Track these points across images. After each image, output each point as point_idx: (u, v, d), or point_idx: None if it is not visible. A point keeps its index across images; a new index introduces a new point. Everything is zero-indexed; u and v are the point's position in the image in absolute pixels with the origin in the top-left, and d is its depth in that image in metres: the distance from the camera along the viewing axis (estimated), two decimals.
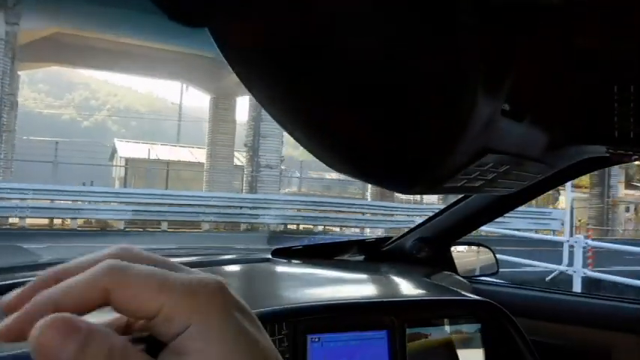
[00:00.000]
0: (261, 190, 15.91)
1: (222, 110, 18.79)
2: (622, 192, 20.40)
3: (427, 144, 0.46)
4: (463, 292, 1.25)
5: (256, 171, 16.11)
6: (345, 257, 1.63)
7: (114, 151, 22.91)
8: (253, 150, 16.25)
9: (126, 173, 18.87)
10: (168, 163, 19.98)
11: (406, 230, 1.67)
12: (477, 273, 1.67)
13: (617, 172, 19.49)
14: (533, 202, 18.39)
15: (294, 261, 1.50)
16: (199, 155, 20.77)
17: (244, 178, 16.74)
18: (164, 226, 13.90)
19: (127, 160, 20.17)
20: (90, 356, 0.23)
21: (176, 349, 0.26)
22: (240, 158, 19.73)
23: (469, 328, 1.10)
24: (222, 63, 0.47)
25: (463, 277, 1.58)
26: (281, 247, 1.54)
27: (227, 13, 0.42)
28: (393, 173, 0.52)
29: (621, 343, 1.27)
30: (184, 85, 23.43)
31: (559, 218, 17.30)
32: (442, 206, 1.82)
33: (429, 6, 0.37)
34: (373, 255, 1.65)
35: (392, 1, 0.39)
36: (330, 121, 0.49)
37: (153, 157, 20.65)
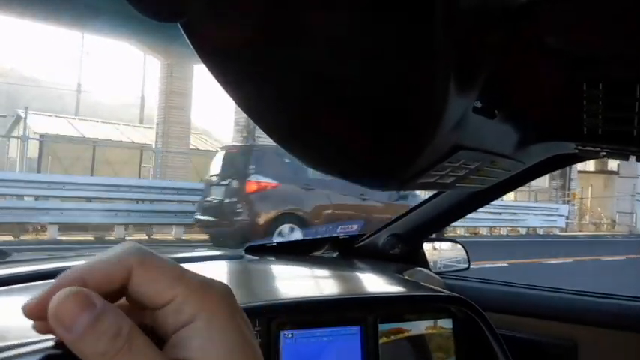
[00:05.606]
0: None
1: (177, 80, 14.41)
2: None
3: (401, 142, 0.46)
4: (435, 288, 1.26)
5: None
6: (319, 254, 1.63)
7: (15, 125, 17.82)
8: (247, 130, 11.78)
9: (40, 153, 13.91)
10: (95, 141, 15.68)
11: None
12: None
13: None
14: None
15: (267, 258, 1.49)
16: (131, 134, 17.23)
17: None
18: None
19: (43, 136, 15.29)
20: (99, 331, 0.25)
21: (177, 343, 0.27)
22: (194, 142, 16.60)
23: (441, 324, 1.12)
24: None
25: (435, 273, 1.60)
26: (254, 243, 1.54)
27: (205, 9, 0.41)
28: (368, 171, 0.52)
29: (586, 335, 1.31)
30: (83, 49, 19.76)
31: (564, 215, 16.43)
32: None
33: (405, 8, 0.37)
34: (347, 251, 1.65)
35: (370, 5, 0.38)
36: (307, 121, 0.48)
37: (75, 134, 16.47)
